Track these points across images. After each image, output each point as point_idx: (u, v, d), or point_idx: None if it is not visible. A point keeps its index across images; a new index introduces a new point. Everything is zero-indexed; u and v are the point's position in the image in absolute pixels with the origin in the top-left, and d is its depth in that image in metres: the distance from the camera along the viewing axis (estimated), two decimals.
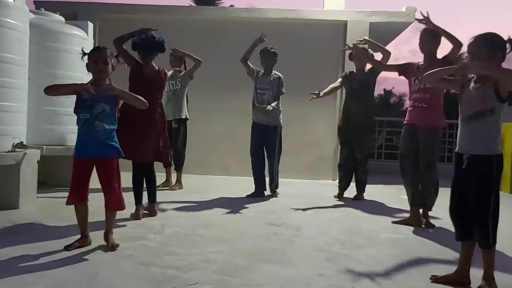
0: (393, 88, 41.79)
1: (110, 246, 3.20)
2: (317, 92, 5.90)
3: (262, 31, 5.69)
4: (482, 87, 2.65)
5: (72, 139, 5.71)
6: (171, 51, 5.88)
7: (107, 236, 3.28)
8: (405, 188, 4.55)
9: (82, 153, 3.23)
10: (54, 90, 3.31)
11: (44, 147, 5.02)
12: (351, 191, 5.98)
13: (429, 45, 4.36)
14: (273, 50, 5.86)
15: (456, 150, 2.77)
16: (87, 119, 3.17)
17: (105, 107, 3.17)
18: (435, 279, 2.80)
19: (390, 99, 35.99)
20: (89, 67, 3.26)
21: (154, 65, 4.42)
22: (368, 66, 5.67)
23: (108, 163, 3.24)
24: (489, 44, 2.62)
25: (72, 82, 5.60)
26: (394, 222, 4.50)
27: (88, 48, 5.89)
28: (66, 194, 5.16)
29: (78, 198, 3.24)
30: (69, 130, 5.67)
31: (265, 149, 5.88)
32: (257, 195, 5.74)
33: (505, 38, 2.72)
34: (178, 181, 6.17)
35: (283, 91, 5.84)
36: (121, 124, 3.65)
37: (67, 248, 3.15)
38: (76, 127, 5.60)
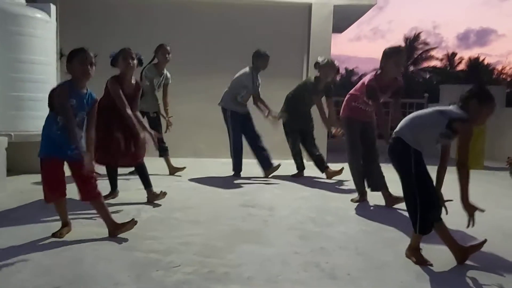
0: (356, 67, 42.48)
1: (127, 228, 3.27)
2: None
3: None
4: None
5: (39, 125, 5.60)
6: None
7: (114, 226, 3.28)
8: (355, 172, 4.72)
9: (56, 154, 3.16)
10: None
11: (12, 133, 4.94)
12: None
13: (397, 70, 4.44)
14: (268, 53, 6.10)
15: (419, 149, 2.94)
16: None
17: (84, 115, 3.18)
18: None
19: (351, 78, 36.54)
20: (71, 68, 3.12)
21: (133, 79, 4.36)
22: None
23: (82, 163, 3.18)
24: None
25: (35, 66, 5.54)
26: (353, 201, 4.72)
27: (51, 31, 5.83)
28: (35, 180, 5.14)
29: (58, 196, 3.23)
30: (34, 116, 5.57)
31: (251, 134, 6.14)
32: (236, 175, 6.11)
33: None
34: (171, 164, 6.17)
35: None
36: (108, 134, 4.05)
37: (55, 235, 3.19)
38: (42, 113, 5.56)
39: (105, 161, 4.28)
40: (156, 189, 4.61)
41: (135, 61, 4.29)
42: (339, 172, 6.16)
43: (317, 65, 5.92)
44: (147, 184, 4.47)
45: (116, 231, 3.26)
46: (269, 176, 6.09)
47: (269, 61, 6.07)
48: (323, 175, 6.24)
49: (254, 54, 6.07)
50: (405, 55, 4.47)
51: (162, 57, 5.80)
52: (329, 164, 6.26)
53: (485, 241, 2.97)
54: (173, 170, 6.14)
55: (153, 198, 4.40)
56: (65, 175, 3.25)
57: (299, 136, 6.28)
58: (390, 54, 4.28)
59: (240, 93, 6.02)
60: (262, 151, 6.12)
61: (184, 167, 6.21)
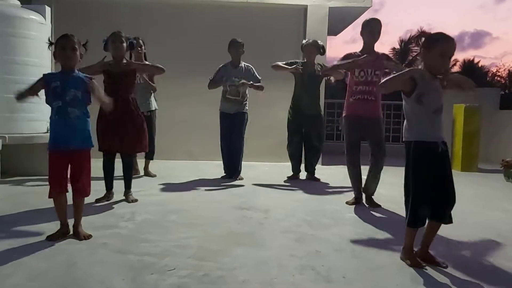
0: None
1: (82, 238, 3.20)
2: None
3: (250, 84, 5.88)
4: (437, 81, 2.84)
5: (33, 127, 5.60)
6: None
7: (77, 229, 3.27)
8: (353, 175, 4.70)
9: (58, 146, 3.18)
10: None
11: (6, 136, 4.90)
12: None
13: (372, 38, 4.59)
14: (241, 41, 5.95)
15: (426, 140, 2.82)
16: (59, 106, 3.14)
17: (76, 92, 3.16)
18: None
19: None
20: (56, 55, 3.21)
21: (125, 60, 4.43)
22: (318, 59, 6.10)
23: (83, 154, 3.25)
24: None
25: (30, 67, 5.52)
26: (348, 203, 4.69)
27: (46, 32, 5.80)
28: (29, 183, 5.12)
29: (59, 191, 3.21)
30: (29, 118, 5.55)
31: (233, 144, 6.02)
32: (230, 177, 6.03)
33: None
34: (147, 168, 6.18)
35: (259, 77, 6.05)
36: (100, 118, 4.16)
37: (50, 239, 3.15)
38: (36, 115, 5.55)
39: (101, 146, 4.35)
40: (152, 190, 4.62)
41: (125, 44, 4.36)
42: (316, 179, 6.19)
43: (302, 47, 6.03)
44: (127, 185, 4.57)
45: (75, 234, 3.25)
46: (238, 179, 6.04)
47: (240, 48, 5.94)
48: (319, 177, 6.25)
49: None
50: (378, 24, 4.54)
51: (135, 51, 5.76)
52: (324, 167, 6.26)
53: (445, 266, 2.87)
54: (146, 172, 6.15)
55: (128, 199, 4.49)
56: (68, 173, 3.24)
57: (297, 137, 6.23)
58: (364, 25, 4.60)
59: (223, 88, 5.97)
60: (237, 164, 6.07)
61: (155, 175, 6.13)
